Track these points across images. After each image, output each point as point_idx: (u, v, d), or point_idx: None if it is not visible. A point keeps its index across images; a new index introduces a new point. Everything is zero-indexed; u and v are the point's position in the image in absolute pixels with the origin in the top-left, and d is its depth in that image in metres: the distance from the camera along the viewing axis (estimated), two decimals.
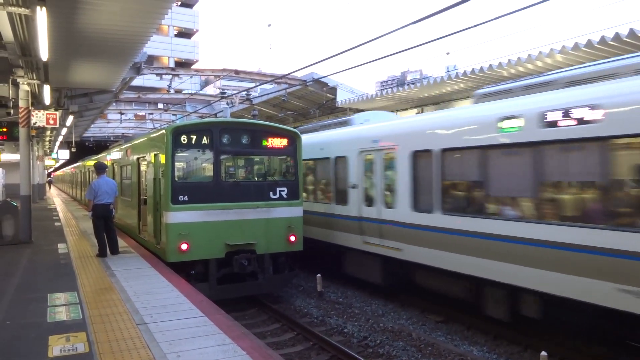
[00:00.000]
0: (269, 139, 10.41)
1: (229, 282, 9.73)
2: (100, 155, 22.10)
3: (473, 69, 13.54)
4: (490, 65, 13.02)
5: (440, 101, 16.84)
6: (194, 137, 9.69)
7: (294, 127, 12.21)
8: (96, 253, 10.26)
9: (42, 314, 6.17)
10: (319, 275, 11.10)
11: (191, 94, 29.58)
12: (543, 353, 6.46)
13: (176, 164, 9.61)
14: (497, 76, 13.49)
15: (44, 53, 9.24)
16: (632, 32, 9.93)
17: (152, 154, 10.62)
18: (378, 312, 9.88)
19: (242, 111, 25.44)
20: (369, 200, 10.39)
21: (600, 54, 10.94)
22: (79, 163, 32.43)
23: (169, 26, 57.55)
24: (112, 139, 39.46)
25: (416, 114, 17.32)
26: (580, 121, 6.27)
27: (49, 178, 58.01)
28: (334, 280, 12.25)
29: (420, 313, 9.71)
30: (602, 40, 10.41)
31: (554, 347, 7.38)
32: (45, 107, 14.50)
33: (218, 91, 26.65)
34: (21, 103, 12.65)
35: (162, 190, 9.73)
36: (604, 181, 6.15)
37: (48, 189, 49.91)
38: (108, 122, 33.82)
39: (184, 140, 9.61)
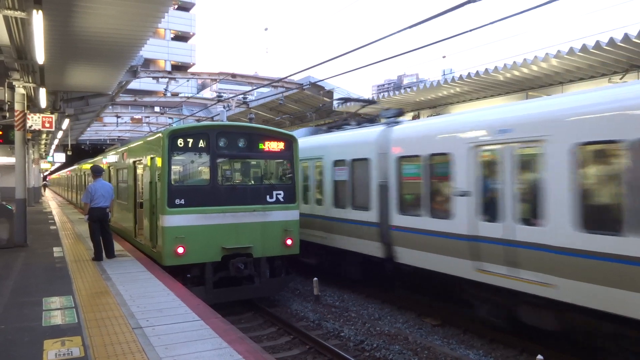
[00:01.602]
0: (266, 143, 10.41)
1: (225, 285, 9.71)
2: (96, 159, 22.04)
3: (469, 73, 13.60)
4: (487, 69, 13.08)
5: (436, 105, 16.90)
6: (191, 140, 9.68)
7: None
8: (92, 256, 10.22)
9: (37, 317, 6.13)
10: (315, 279, 11.09)
11: (188, 98, 29.54)
12: (539, 357, 6.46)
13: (172, 167, 9.60)
14: (492, 80, 13.55)
15: (40, 56, 9.23)
16: (626, 37, 10.00)
17: (149, 158, 10.61)
18: (374, 316, 9.87)
19: (239, 114, 25.46)
20: None
21: (595, 58, 11.02)
22: (75, 166, 32.34)
23: (165, 29, 57.60)
24: (108, 142, 39.39)
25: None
26: None
27: (44, 181, 57.25)
28: (331, 284, 12.23)
29: (416, 317, 9.71)
30: (597, 45, 10.47)
31: (550, 351, 7.39)
32: (41, 110, 14.48)
33: (215, 94, 26.63)
34: (17, 106, 12.61)
35: (158, 194, 9.72)
36: None
37: (43, 192, 49.41)
38: (104, 126, 33.76)
39: (180, 143, 9.60)
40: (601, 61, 11.15)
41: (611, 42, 10.25)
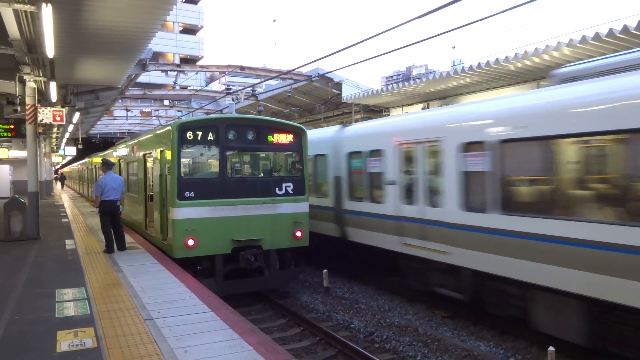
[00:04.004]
0: (275, 135, 10.40)
1: (235, 277, 9.76)
2: (106, 152, 22.19)
3: (479, 63, 13.43)
4: (497, 59, 12.91)
5: (446, 96, 16.75)
6: (200, 133, 9.70)
7: None
8: (103, 249, 10.31)
9: (50, 309, 6.22)
10: (325, 270, 11.11)
11: (196, 90, 29.55)
12: (550, 348, 6.43)
13: (182, 160, 9.64)
14: (503, 70, 13.39)
15: (49, 50, 9.27)
16: None
17: (158, 150, 10.65)
18: (384, 308, 9.87)
19: (248, 107, 25.44)
20: None
21: (607, 47, 10.83)
22: (85, 160, 32.62)
23: (174, 22, 57.61)
24: (118, 135, 39.61)
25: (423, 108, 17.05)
26: None
27: (56, 175, 55.34)
28: (340, 275, 12.25)
29: (426, 308, 9.70)
30: (610, 33, 10.29)
31: (562, 343, 7.34)
32: (51, 104, 14.57)
33: (223, 87, 26.65)
34: (28, 100, 12.71)
35: (168, 187, 9.76)
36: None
37: (60, 188, 47.92)
38: (114, 119, 33.90)
39: (189, 136, 9.62)
40: (614, 50, 10.96)
41: (624, 29, 10.07)
